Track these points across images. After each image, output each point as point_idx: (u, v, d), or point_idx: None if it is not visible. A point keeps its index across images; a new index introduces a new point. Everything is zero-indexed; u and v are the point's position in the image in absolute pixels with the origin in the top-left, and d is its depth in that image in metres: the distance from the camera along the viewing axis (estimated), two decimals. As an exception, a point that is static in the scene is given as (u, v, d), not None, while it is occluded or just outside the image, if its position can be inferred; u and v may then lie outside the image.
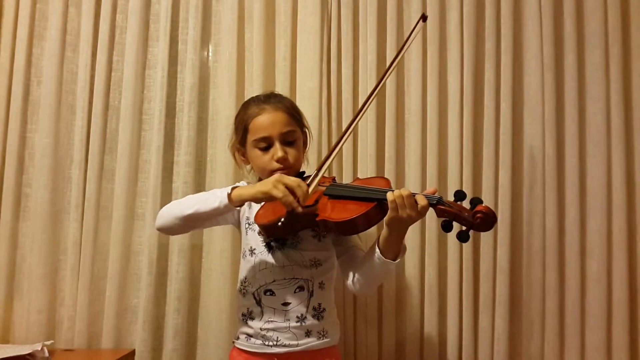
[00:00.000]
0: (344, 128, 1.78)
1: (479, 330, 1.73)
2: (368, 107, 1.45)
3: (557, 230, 1.72)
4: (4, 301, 1.80)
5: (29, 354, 1.55)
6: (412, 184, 1.77)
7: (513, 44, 1.78)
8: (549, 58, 1.75)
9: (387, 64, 1.77)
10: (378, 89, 1.46)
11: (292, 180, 1.21)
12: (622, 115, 1.73)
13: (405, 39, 1.56)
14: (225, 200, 1.25)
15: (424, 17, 1.57)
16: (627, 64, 1.76)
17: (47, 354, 1.58)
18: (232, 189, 1.27)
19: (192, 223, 1.33)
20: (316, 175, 1.31)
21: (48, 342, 1.64)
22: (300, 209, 1.20)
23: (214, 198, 1.27)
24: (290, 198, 1.19)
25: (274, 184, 1.20)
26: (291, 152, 1.39)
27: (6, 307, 1.80)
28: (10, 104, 1.83)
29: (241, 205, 1.30)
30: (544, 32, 1.76)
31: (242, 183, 1.51)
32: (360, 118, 1.43)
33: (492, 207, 1.69)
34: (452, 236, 1.24)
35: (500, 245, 1.73)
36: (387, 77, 1.49)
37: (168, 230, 1.39)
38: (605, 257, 1.70)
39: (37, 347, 1.58)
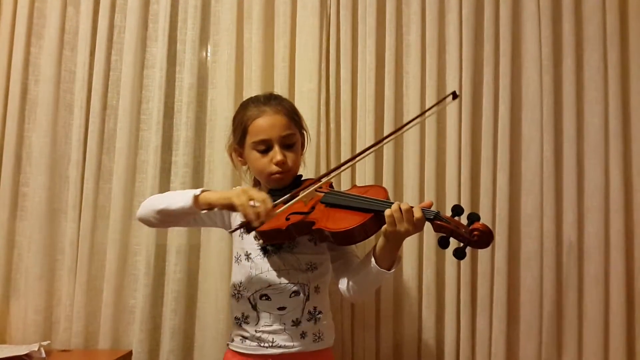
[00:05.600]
0: (341, 131, 1.79)
1: (476, 333, 1.73)
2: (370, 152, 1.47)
3: (555, 233, 1.72)
4: (0, 301, 1.79)
5: (26, 355, 1.54)
6: (410, 187, 1.77)
7: (512, 47, 1.78)
8: (548, 61, 1.75)
9: (386, 67, 1.79)
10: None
11: (257, 195, 1.18)
12: (620, 118, 1.73)
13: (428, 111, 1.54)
14: (190, 202, 1.23)
15: (454, 95, 1.47)
16: (625, 67, 1.77)
17: (43, 355, 1.58)
18: (202, 191, 1.24)
19: (165, 218, 1.31)
20: (291, 198, 1.24)
21: (45, 343, 1.64)
22: (256, 224, 1.15)
23: (182, 197, 1.25)
24: (249, 210, 1.15)
25: (238, 193, 1.18)
26: (290, 156, 1.38)
27: (3, 307, 1.79)
28: (7, 102, 1.82)
29: (208, 208, 1.26)
30: (542, 34, 1.76)
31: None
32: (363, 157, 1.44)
33: (489, 209, 1.71)
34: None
35: (497, 247, 1.73)
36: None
37: (146, 222, 1.36)
38: (603, 260, 1.71)
39: (34, 347, 1.58)
